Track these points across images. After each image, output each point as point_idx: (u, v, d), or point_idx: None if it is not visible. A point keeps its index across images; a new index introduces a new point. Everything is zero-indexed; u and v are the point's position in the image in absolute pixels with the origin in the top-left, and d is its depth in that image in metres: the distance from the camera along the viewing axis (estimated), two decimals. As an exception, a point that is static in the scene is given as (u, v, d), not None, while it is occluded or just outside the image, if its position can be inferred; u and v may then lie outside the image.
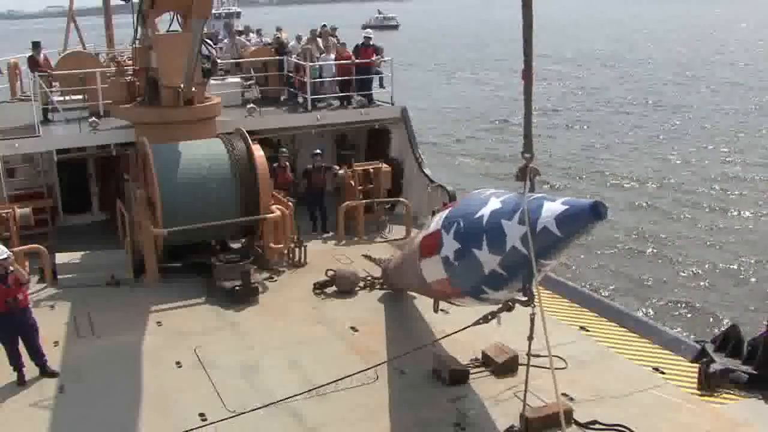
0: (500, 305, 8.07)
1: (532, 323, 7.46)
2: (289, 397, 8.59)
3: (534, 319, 7.40)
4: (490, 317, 8.34)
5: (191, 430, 8.03)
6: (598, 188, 31.65)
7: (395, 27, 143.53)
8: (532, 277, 7.09)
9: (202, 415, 8.92)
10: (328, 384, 8.70)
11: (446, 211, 8.66)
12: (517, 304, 7.79)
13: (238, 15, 60.12)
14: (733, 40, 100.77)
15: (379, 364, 9.68)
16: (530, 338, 7.54)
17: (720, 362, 9.63)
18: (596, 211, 6.60)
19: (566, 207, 6.80)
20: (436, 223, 8.73)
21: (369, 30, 20.17)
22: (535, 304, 7.28)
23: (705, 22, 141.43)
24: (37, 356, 10.14)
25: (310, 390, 8.71)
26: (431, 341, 10.83)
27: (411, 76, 65.62)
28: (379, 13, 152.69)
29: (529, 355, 7.91)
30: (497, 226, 7.35)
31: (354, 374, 8.96)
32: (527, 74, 7.40)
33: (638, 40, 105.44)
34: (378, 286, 13.06)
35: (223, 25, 22.35)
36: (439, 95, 60.09)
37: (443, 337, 9.41)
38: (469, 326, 8.54)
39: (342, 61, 18.00)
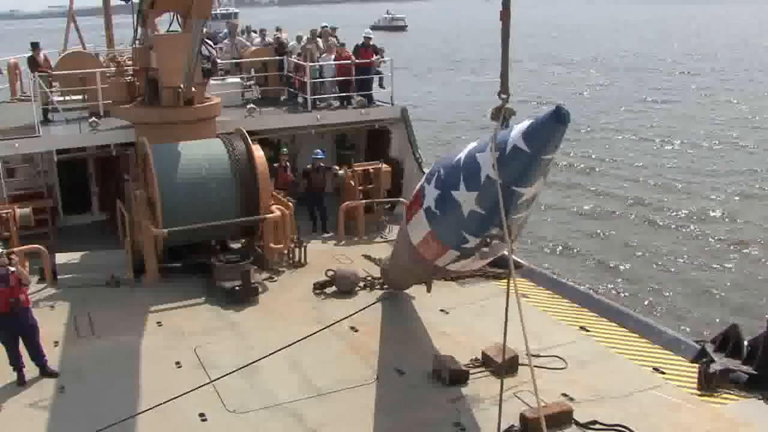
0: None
1: (509, 260, 7.31)
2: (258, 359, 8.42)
3: (511, 248, 7.47)
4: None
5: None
6: (598, 185, 31.71)
7: (403, 28, 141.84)
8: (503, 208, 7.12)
9: (201, 415, 8.93)
10: (296, 342, 8.58)
11: (429, 169, 8.97)
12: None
13: (235, 15, 60.15)
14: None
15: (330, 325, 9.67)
16: (510, 277, 7.34)
17: (720, 362, 9.61)
18: (559, 116, 6.86)
19: (531, 122, 7.12)
20: (419, 183, 8.95)
21: (368, 30, 20.16)
22: (512, 239, 7.42)
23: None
24: (38, 356, 10.15)
25: (285, 347, 8.62)
26: (429, 340, 10.89)
27: (414, 77, 65.53)
28: (388, 13, 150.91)
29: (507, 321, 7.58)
30: (472, 161, 7.66)
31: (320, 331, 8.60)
32: (505, 14, 7.46)
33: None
34: (378, 286, 13.07)
35: (226, 26, 22.20)
36: (443, 96, 60.02)
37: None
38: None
39: (342, 61, 18.02)
